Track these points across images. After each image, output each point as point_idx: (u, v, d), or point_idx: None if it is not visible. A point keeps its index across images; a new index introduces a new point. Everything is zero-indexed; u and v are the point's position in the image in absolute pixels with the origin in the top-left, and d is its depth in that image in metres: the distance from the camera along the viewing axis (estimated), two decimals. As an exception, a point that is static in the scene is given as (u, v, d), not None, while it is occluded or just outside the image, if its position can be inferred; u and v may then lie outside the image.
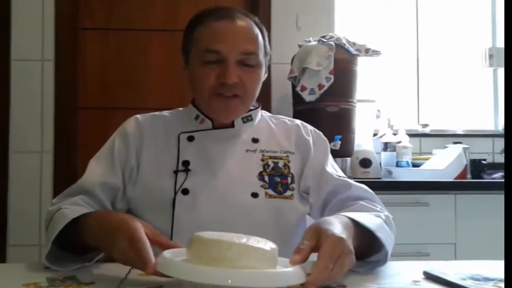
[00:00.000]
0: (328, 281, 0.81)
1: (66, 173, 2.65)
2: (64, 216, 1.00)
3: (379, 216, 1.07)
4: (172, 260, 0.75)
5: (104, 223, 0.94)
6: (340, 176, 1.24)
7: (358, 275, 0.93)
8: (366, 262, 0.98)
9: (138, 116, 1.29)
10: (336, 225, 0.90)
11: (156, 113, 1.32)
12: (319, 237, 0.85)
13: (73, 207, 1.07)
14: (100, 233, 0.93)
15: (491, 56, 3.04)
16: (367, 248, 0.98)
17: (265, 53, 1.22)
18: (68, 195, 1.17)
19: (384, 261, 0.99)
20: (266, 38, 1.24)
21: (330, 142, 1.36)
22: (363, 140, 2.62)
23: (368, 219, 1.01)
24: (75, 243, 1.01)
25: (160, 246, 0.89)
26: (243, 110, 1.23)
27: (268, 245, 0.77)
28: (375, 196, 1.22)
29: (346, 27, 2.92)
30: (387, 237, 1.00)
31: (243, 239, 0.76)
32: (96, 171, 1.20)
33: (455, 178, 2.45)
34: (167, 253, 0.79)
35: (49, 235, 1.00)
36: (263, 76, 1.23)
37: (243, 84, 1.16)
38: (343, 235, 0.86)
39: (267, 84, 2.74)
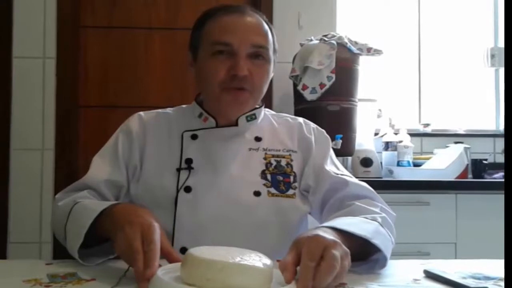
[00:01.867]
0: (325, 278, 0.76)
1: (67, 171, 2.65)
2: (88, 208, 1.00)
3: (374, 219, 1.04)
4: (165, 280, 0.75)
5: (126, 210, 0.95)
6: (338, 174, 1.23)
7: (358, 274, 0.93)
8: (365, 261, 0.96)
9: (141, 113, 1.29)
10: (316, 231, 0.87)
11: (160, 110, 1.32)
12: (299, 247, 0.81)
13: (90, 200, 1.07)
14: (117, 218, 0.94)
15: (493, 56, 3.04)
16: (364, 252, 0.97)
17: (274, 50, 1.23)
18: (72, 191, 1.17)
19: (383, 263, 0.97)
20: (275, 36, 1.24)
21: (331, 141, 1.36)
22: (364, 139, 2.62)
23: (361, 226, 0.97)
24: (93, 236, 1.00)
25: (162, 252, 0.88)
26: (252, 105, 1.23)
27: (262, 261, 0.76)
28: (374, 194, 1.20)
29: (348, 26, 2.91)
30: (384, 242, 0.98)
31: (237, 258, 0.75)
32: (100, 168, 1.20)
33: (456, 178, 2.45)
34: (160, 271, 0.79)
35: (75, 228, 0.99)
36: (271, 73, 1.23)
37: (252, 77, 1.16)
38: (322, 234, 0.83)
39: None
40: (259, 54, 1.17)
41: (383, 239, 0.98)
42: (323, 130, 1.33)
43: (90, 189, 1.16)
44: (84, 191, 1.15)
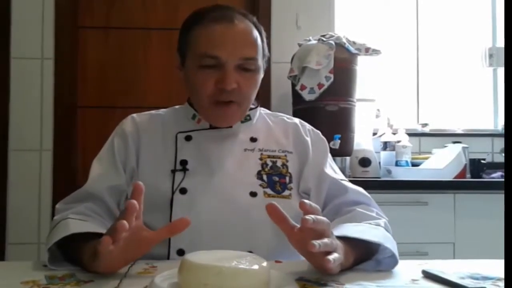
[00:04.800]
0: (323, 224, 0.86)
1: (65, 171, 2.65)
2: (68, 227, 0.99)
3: (378, 225, 1.07)
4: (163, 287, 0.76)
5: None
6: (337, 179, 1.24)
7: (357, 273, 0.93)
8: (373, 260, 0.99)
9: (134, 115, 1.29)
10: None
11: (153, 112, 1.31)
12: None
13: (78, 222, 1.04)
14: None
15: (491, 56, 3.04)
16: (368, 254, 1.00)
17: (263, 55, 1.22)
18: (74, 201, 1.15)
19: (391, 264, 0.99)
20: (265, 40, 1.22)
21: (329, 141, 1.36)
22: (363, 139, 2.62)
23: (371, 233, 1.01)
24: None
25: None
26: (241, 116, 1.23)
27: (259, 263, 0.77)
28: (371, 200, 1.22)
29: (346, 26, 2.91)
30: (393, 245, 1.01)
31: (233, 261, 0.76)
32: (101, 175, 1.19)
33: (454, 178, 2.45)
34: (158, 278, 0.79)
35: (48, 240, 0.99)
36: (260, 79, 1.22)
37: (240, 89, 1.15)
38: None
39: (267, 83, 2.76)
40: (247, 66, 1.15)
41: (391, 243, 1.01)
42: (319, 132, 1.33)
43: (92, 199, 1.14)
44: (83, 205, 1.12)
